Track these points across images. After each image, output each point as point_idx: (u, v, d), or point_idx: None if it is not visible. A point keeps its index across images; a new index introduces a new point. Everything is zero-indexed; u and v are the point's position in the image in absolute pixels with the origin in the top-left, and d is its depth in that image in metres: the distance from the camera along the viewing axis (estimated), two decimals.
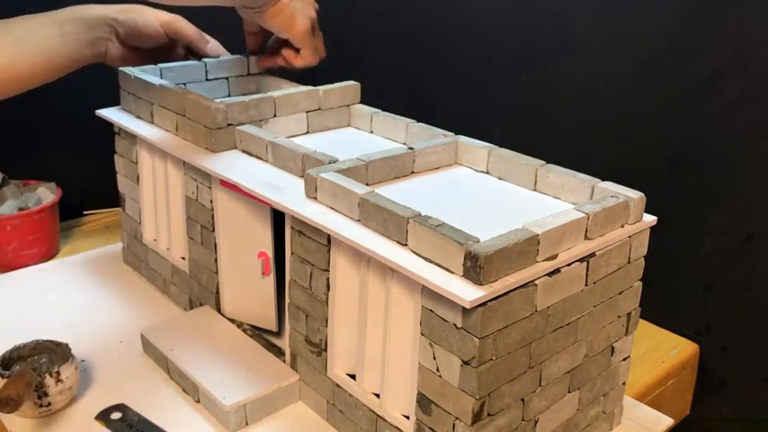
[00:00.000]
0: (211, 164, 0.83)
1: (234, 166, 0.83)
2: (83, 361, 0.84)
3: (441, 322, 0.61)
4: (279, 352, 0.84)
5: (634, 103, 1.02)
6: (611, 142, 1.06)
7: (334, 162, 0.75)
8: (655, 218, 0.70)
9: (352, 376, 0.74)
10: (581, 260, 0.64)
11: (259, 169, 0.81)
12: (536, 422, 0.67)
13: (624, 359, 0.75)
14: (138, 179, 1.01)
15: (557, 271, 0.62)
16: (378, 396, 0.71)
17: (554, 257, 0.62)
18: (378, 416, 0.71)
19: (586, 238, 0.65)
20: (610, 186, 0.70)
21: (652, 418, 0.80)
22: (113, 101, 1.02)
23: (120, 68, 1.00)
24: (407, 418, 0.68)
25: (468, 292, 0.56)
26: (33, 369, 0.76)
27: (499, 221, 0.68)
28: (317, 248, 0.73)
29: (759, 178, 0.92)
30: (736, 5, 0.90)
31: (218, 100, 0.87)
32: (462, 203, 0.74)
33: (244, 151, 0.86)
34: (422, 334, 0.63)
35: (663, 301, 0.97)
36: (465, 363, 0.59)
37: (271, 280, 0.85)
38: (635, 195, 0.68)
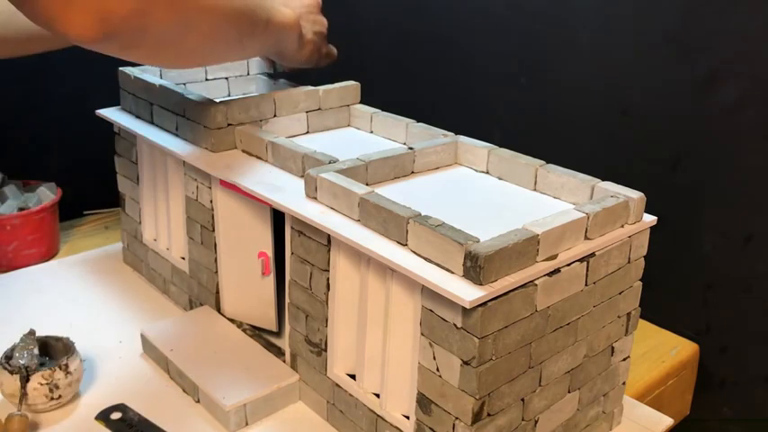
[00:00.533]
0: (211, 164, 0.83)
1: (234, 166, 0.83)
2: (83, 360, 0.84)
3: (441, 322, 0.61)
4: (279, 352, 0.84)
5: (634, 103, 1.02)
6: (611, 142, 1.06)
7: (334, 162, 0.75)
8: (655, 218, 0.70)
9: (353, 376, 0.74)
10: (581, 260, 0.64)
11: (259, 169, 0.81)
12: (536, 422, 0.67)
13: (624, 359, 0.75)
14: (138, 179, 1.01)
15: (557, 271, 0.62)
16: (378, 396, 0.71)
17: (554, 257, 0.62)
18: (378, 416, 0.71)
19: (586, 238, 0.65)
20: (610, 186, 0.70)
21: (652, 418, 0.80)
22: (113, 101, 1.02)
23: (120, 68, 1.00)
24: (407, 418, 0.68)
25: (468, 292, 0.56)
26: (42, 365, 0.77)
27: (499, 221, 0.69)
28: (316, 248, 0.73)
29: (759, 178, 0.92)
30: (736, 6, 0.90)
31: (218, 100, 0.87)
32: (462, 203, 0.74)
33: (244, 151, 0.86)
34: (422, 334, 0.63)
35: (663, 301, 0.97)
36: (465, 363, 0.59)
37: (271, 280, 0.85)
38: (635, 195, 0.68)
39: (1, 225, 1.06)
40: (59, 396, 0.76)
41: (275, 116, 0.90)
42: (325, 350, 0.75)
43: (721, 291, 0.99)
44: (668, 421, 0.80)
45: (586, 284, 0.65)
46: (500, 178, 0.80)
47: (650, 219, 0.70)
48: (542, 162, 0.76)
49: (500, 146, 0.81)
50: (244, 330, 0.88)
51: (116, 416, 0.77)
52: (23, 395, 0.74)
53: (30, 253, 1.09)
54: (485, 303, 0.57)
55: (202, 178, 0.87)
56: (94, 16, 0.57)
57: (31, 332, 0.79)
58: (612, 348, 0.73)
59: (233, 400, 0.76)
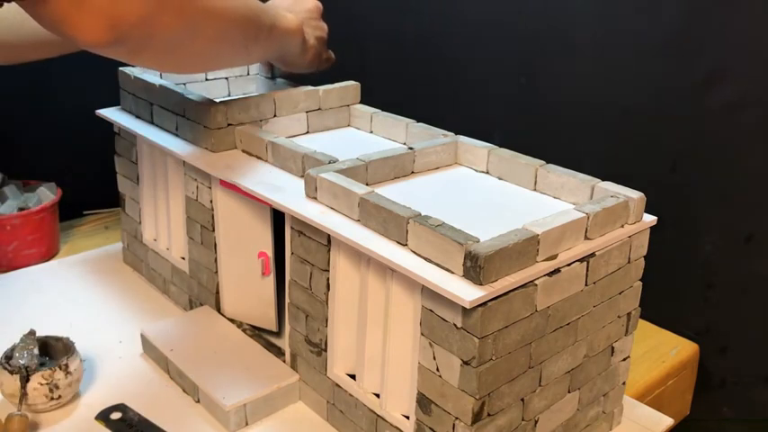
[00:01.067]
0: (211, 164, 0.83)
1: (234, 166, 0.83)
2: (83, 360, 0.84)
3: (441, 322, 0.61)
4: (279, 352, 0.84)
5: (634, 103, 1.02)
6: (611, 142, 1.06)
7: (334, 162, 0.75)
8: (655, 218, 0.70)
9: (353, 376, 0.74)
10: (581, 260, 0.64)
11: (259, 169, 0.81)
12: (536, 422, 0.67)
13: (624, 359, 0.75)
14: (138, 179, 1.01)
15: (557, 271, 0.62)
16: (378, 396, 0.71)
17: (554, 257, 0.62)
18: (378, 416, 0.71)
19: (586, 238, 0.65)
20: (610, 186, 0.70)
21: (652, 418, 0.80)
22: (113, 101, 1.02)
23: (120, 68, 1.00)
24: (407, 418, 0.68)
25: (468, 292, 0.56)
26: (42, 365, 0.77)
27: (499, 221, 0.69)
28: (316, 248, 0.73)
29: (759, 178, 0.92)
30: (736, 6, 0.90)
31: (218, 100, 0.87)
32: (462, 203, 0.74)
33: (244, 151, 0.86)
34: (422, 334, 0.63)
35: (663, 301, 0.97)
36: (465, 363, 0.59)
37: (271, 280, 0.85)
38: (635, 195, 0.68)
39: (1, 225, 1.06)
40: (59, 396, 0.76)
41: (275, 116, 0.90)
42: (325, 350, 0.75)
43: (721, 291, 0.99)
44: (668, 421, 0.80)
45: (586, 284, 0.65)
46: (500, 178, 0.80)
47: (650, 219, 0.70)
48: (542, 162, 0.76)
49: (500, 146, 0.81)
50: (244, 330, 0.88)
51: (116, 416, 0.77)
52: (23, 395, 0.74)
53: (30, 253, 1.09)
54: (485, 303, 0.57)
55: (202, 178, 0.87)
56: (105, 21, 0.58)
57: (32, 332, 0.79)
58: (612, 348, 0.73)
59: (233, 400, 0.76)
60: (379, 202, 0.65)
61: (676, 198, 0.98)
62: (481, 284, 0.57)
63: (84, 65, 1.23)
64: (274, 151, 0.82)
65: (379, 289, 0.68)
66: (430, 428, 0.65)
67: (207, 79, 1.05)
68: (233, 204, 0.84)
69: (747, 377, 1.00)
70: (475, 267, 0.57)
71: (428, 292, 0.61)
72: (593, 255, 0.65)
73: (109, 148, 1.05)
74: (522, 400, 0.64)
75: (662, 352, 0.99)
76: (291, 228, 0.76)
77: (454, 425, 0.62)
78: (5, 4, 0.57)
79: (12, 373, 0.75)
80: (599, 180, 0.71)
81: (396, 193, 0.73)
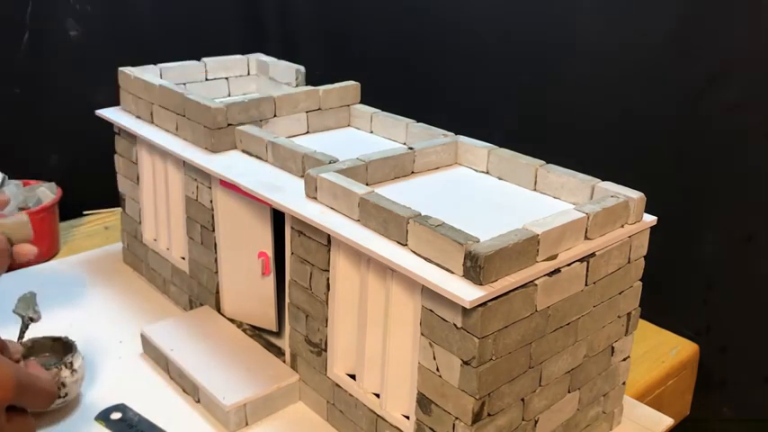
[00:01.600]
0: (211, 164, 0.83)
1: (234, 166, 0.83)
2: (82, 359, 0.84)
3: (441, 322, 0.61)
4: (279, 352, 0.84)
5: (634, 102, 1.02)
6: (611, 142, 1.06)
7: (335, 162, 0.75)
8: (655, 218, 0.70)
9: (353, 376, 0.74)
10: (581, 260, 0.64)
11: (259, 169, 0.82)
12: (536, 422, 0.67)
13: (624, 359, 0.75)
14: (138, 179, 1.01)
15: (557, 271, 0.62)
16: (378, 396, 0.71)
17: (554, 257, 0.62)
18: (378, 416, 0.71)
19: (586, 238, 0.65)
20: (610, 186, 0.70)
21: (652, 418, 0.80)
22: (113, 101, 1.02)
23: (120, 68, 1.00)
24: (407, 418, 0.68)
25: (468, 292, 0.56)
26: (43, 365, 0.77)
27: (499, 221, 0.68)
28: (317, 248, 0.73)
29: (759, 178, 0.92)
30: (736, 5, 0.90)
31: (218, 100, 0.87)
32: (462, 203, 0.74)
33: (244, 151, 0.86)
34: (422, 334, 0.63)
35: (663, 301, 0.97)
36: (465, 363, 0.59)
37: (271, 280, 0.85)
38: (635, 195, 0.68)
39: None
40: (66, 394, 0.76)
41: (275, 116, 0.90)
42: (325, 350, 0.75)
43: (721, 291, 0.99)
44: (668, 421, 0.80)
45: (586, 284, 0.65)
46: (500, 178, 0.80)
47: (650, 219, 0.70)
48: (542, 162, 0.76)
49: (500, 146, 0.81)
50: (244, 330, 0.88)
51: (116, 416, 0.77)
52: (21, 339, 0.75)
53: None
54: (485, 303, 0.57)
55: (202, 178, 0.87)
56: None
57: (32, 293, 0.79)
58: (612, 348, 0.73)
59: (233, 400, 0.76)
60: (379, 202, 0.65)
61: (676, 198, 0.98)
62: (481, 284, 0.57)
63: (85, 65, 1.24)
64: (274, 151, 0.82)
65: (379, 289, 0.68)
66: (430, 428, 0.65)
67: (207, 79, 1.05)
68: (233, 204, 0.84)
69: (747, 377, 1.00)
70: (475, 267, 0.57)
71: (428, 292, 0.61)
72: (593, 255, 0.65)
73: (109, 148, 1.05)
74: (523, 400, 0.64)
75: (662, 352, 0.99)
76: (291, 228, 0.76)
77: (454, 425, 0.62)
78: None
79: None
80: (599, 180, 0.71)
81: (396, 193, 0.73)
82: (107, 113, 1.01)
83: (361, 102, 0.97)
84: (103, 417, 0.77)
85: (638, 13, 0.99)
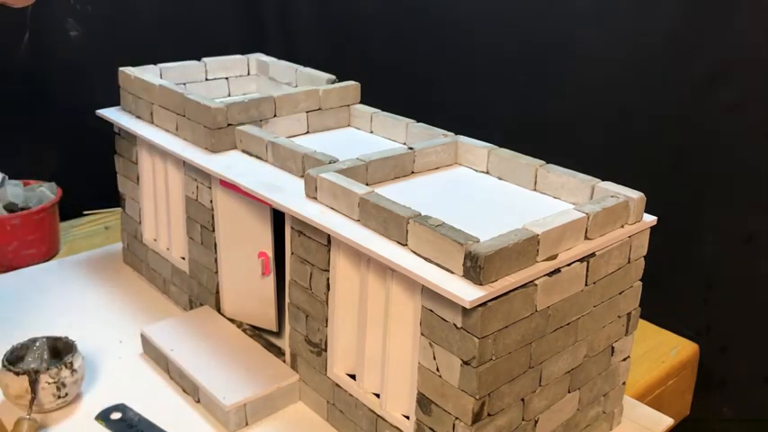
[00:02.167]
0: (211, 164, 0.83)
1: (234, 166, 0.83)
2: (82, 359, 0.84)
3: (441, 322, 0.61)
4: (279, 352, 0.84)
5: (634, 102, 1.02)
6: (611, 142, 1.06)
7: (335, 162, 0.75)
8: (655, 218, 0.70)
9: (353, 376, 0.74)
10: (581, 260, 0.64)
11: (259, 169, 0.82)
12: (536, 422, 0.67)
13: (624, 359, 0.75)
14: (138, 179, 1.01)
15: (557, 271, 0.62)
16: (378, 396, 0.71)
17: (554, 257, 0.62)
18: (378, 416, 0.71)
19: (586, 238, 0.65)
20: (610, 186, 0.70)
21: (652, 418, 0.80)
22: (113, 101, 1.02)
23: (120, 68, 1.00)
24: (407, 418, 0.68)
25: (468, 292, 0.56)
26: (42, 365, 0.77)
27: (499, 221, 0.68)
28: (317, 248, 0.73)
29: (759, 178, 0.92)
30: (736, 5, 0.90)
31: (218, 100, 0.87)
32: (462, 203, 0.74)
33: (244, 151, 0.86)
34: (422, 334, 0.63)
35: (663, 301, 0.97)
36: (465, 363, 0.59)
37: (271, 280, 0.85)
38: (635, 195, 0.68)
39: (1, 225, 1.06)
40: (66, 394, 0.77)
41: (275, 116, 0.90)
42: (325, 350, 0.75)
43: (721, 291, 0.99)
44: (668, 421, 0.80)
45: (586, 284, 0.65)
46: (500, 178, 0.80)
47: (650, 219, 0.70)
48: (542, 162, 0.76)
49: (500, 146, 0.81)
50: (244, 330, 0.88)
51: (116, 416, 0.77)
52: (33, 399, 0.74)
53: (30, 253, 1.09)
54: (485, 303, 0.57)
55: (202, 178, 0.87)
56: None
57: (44, 338, 0.80)
58: (612, 348, 0.73)
59: (233, 400, 0.76)
60: (379, 202, 0.65)
61: (676, 198, 0.98)
62: (481, 284, 0.57)
63: (84, 65, 1.24)
64: (274, 151, 0.82)
65: (379, 289, 0.68)
66: (430, 428, 0.65)
67: (207, 79, 1.05)
68: (233, 204, 0.84)
69: (747, 377, 1.00)
70: (475, 267, 0.57)
71: (428, 292, 0.61)
72: (593, 255, 0.65)
73: (109, 148, 1.05)
74: (523, 400, 0.64)
75: (662, 352, 0.99)
76: (291, 228, 0.76)
77: (454, 425, 0.62)
78: None
79: (18, 374, 0.74)
80: (599, 180, 0.71)
81: (396, 193, 0.73)
82: (107, 113, 1.01)
83: (361, 102, 0.97)
84: (103, 417, 0.77)
85: (638, 13, 0.99)
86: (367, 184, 0.73)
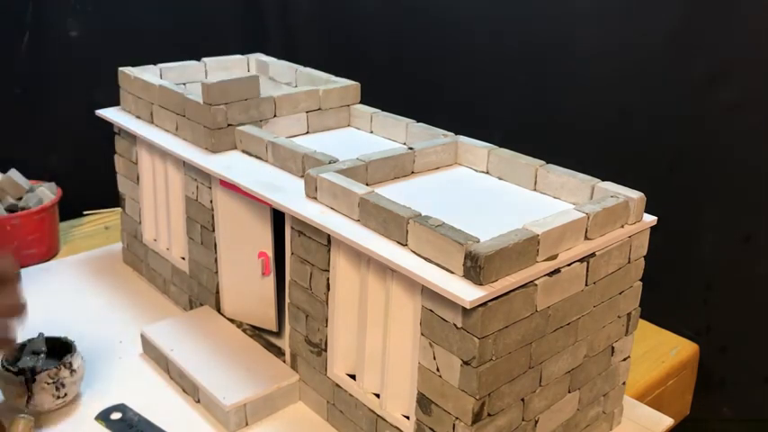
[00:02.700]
0: (211, 164, 0.83)
1: (234, 166, 0.83)
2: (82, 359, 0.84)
3: (441, 322, 0.61)
4: (279, 352, 0.84)
5: (634, 102, 1.02)
6: (611, 142, 1.06)
7: (334, 162, 0.75)
8: (655, 218, 0.70)
9: (353, 376, 0.74)
10: (581, 260, 0.64)
11: (259, 169, 0.81)
12: (536, 422, 0.67)
13: (624, 359, 0.75)
14: (138, 179, 1.01)
15: (557, 271, 0.62)
16: (378, 396, 0.71)
17: (554, 257, 0.62)
18: (378, 416, 0.71)
19: (586, 238, 0.65)
20: (610, 186, 0.70)
21: (652, 418, 0.80)
22: (113, 101, 1.02)
23: (120, 68, 1.00)
24: (407, 418, 0.68)
25: (468, 293, 0.56)
26: (43, 366, 0.77)
27: (499, 221, 0.68)
28: (317, 248, 0.73)
29: (759, 178, 0.92)
30: (736, 5, 0.90)
31: None
32: (462, 203, 0.74)
33: (244, 151, 0.86)
34: (422, 334, 0.63)
35: (663, 301, 0.97)
36: (465, 363, 0.59)
37: (271, 280, 0.85)
38: (635, 195, 0.68)
39: (1, 225, 1.06)
40: (65, 394, 0.77)
41: (275, 116, 0.90)
42: (325, 350, 0.75)
43: (721, 291, 0.99)
44: (668, 421, 0.80)
45: (586, 284, 0.65)
46: (500, 178, 0.80)
47: (650, 219, 0.70)
48: (542, 162, 0.76)
49: (500, 146, 0.81)
50: (244, 330, 0.88)
51: (116, 416, 0.77)
52: (29, 397, 0.74)
53: (30, 253, 1.09)
54: (485, 303, 0.57)
55: (202, 178, 0.87)
56: None
57: (40, 336, 0.80)
58: (612, 348, 0.73)
59: (233, 400, 0.76)
60: (379, 202, 0.65)
61: (676, 198, 0.98)
62: (481, 284, 0.57)
63: (84, 65, 1.24)
64: (274, 151, 0.82)
65: (379, 289, 0.68)
66: (430, 428, 0.65)
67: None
68: (233, 204, 0.84)
69: (747, 377, 0.99)
70: (475, 267, 0.57)
71: (428, 292, 0.61)
72: (593, 255, 0.65)
73: (109, 148, 1.05)
74: (523, 400, 0.64)
75: (662, 352, 0.99)
76: (291, 228, 0.76)
77: (454, 425, 0.62)
78: None
79: (15, 374, 0.74)
80: (599, 180, 0.71)
81: (396, 193, 0.73)
82: (107, 113, 1.01)
83: (361, 102, 0.97)
84: (103, 417, 0.77)
85: (638, 13, 0.99)
86: (367, 185, 0.73)
